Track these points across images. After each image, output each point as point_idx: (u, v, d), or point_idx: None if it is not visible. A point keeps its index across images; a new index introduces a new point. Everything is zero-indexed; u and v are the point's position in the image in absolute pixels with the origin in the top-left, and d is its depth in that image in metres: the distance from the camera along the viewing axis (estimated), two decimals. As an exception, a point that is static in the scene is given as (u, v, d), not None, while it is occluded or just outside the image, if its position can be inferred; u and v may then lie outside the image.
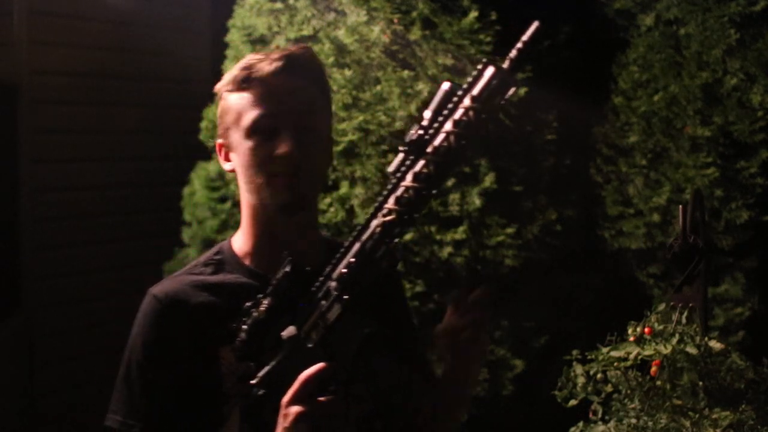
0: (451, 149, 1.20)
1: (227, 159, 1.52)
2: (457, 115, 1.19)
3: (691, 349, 1.77)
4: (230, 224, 3.67)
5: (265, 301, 1.33)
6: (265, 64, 1.45)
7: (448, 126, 1.20)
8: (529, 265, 3.21)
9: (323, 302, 1.30)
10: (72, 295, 4.46)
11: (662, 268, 3.22)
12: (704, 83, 3.09)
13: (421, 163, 1.22)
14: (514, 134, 3.26)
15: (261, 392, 1.34)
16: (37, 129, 4.32)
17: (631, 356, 1.84)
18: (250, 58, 1.48)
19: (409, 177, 1.23)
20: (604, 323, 2.08)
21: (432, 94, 3.19)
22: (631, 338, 1.88)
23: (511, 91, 1.18)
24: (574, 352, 1.96)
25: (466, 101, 1.18)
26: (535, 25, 1.16)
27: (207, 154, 3.88)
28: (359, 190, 3.20)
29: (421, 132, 1.22)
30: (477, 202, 3.15)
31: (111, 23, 4.60)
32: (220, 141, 1.52)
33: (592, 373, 1.92)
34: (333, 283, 1.29)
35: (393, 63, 3.22)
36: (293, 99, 1.46)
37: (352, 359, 1.29)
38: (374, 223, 1.26)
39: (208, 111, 3.84)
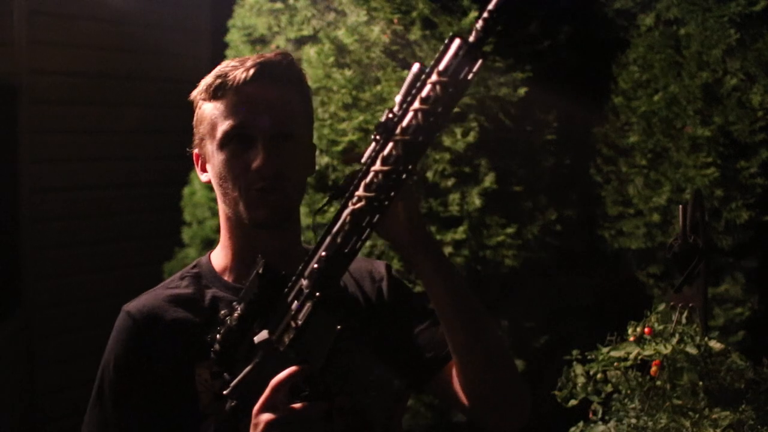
0: (420, 127, 1.15)
1: (204, 170, 1.46)
2: (425, 91, 1.15)
3: (691, 349, 1.77)
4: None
5: (238, 308, 1.25)
6: (239, 71, 1.37)
7: (416, 104, 1.15)
8: (529, 265, 3.20)
9: (295, 302, 1.22)
10: (72, 295, 4.46)
11: (662, 268, 3.21)
12: (704, 83, 3.09)
13: (390, 145, 1.17)
14: (514, 134, 3.26)
15: (233, 403, 1.26)
16: (37, 129, 4.32)
17: (631, 356, 1.84)
18: (224, 65, 1.41)
19: (378, 161, 1.18)
20: (604, 323, 2.08)
21: (432, 94, 3.20)
22: (631, 338, 1.88)
23: (479, 64, 1.13)
24: (574, 352, 1.96)
25: (433, 77, 1.14)
26: None
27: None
28: (359, 190, 3.20)
29: (390, 116, 1.17)
30: (477, 202, 3.15)
31: (111, 23, 4.60)
32: (196, 151, 1.46)
33: (592, 373, 1.92)
34: (305, 282, 1.21)
35: (393, 63, 3.21)
36: (268, 108, 1.37)
37: (326, 359, 1.19)
38: (345, 213, 1.19)
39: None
